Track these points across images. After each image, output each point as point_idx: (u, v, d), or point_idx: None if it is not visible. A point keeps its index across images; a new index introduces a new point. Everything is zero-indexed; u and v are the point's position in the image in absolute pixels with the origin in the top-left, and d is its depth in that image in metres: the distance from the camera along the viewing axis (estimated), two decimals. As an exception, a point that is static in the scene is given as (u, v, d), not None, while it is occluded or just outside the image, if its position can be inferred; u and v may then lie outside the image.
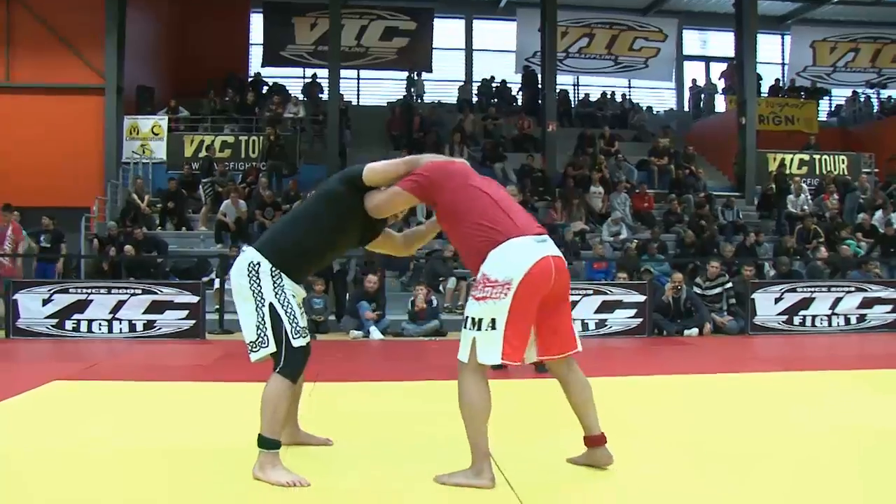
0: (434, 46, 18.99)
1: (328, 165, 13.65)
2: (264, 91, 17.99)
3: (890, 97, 21.32)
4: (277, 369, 3.19)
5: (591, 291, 9.68)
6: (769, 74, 20.72)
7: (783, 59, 21.55)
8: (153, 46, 17.40)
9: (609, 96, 20.33)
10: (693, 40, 22.22)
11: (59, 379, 5.69)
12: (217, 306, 9.71)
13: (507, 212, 3.14)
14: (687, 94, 21.66)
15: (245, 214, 12.57)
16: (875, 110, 20.92)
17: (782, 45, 21.77)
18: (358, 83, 20.67)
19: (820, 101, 20.56)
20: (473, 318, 3.06)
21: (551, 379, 3.37)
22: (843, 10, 19.59)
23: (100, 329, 9.01)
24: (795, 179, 15.01)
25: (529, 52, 18.52)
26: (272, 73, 19.19)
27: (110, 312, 9.02)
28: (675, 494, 3.06)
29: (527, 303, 3.02)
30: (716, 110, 20.81)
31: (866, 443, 3.94)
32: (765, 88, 20.01)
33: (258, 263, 3.25)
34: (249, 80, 18.79)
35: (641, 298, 9.66)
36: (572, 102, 20.35)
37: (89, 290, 9.12)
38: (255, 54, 19.63)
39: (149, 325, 9.05)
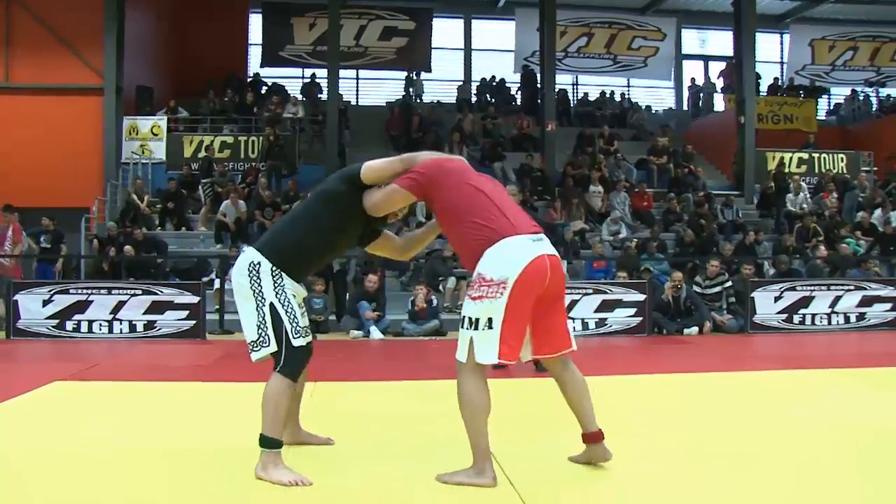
0: (433, 46, 18.98)
1: (327, 165, 13.64)
2: (263, 91, 18.00)
3: (889, 96, 21.33)
4: (278, 368, 3.20)
5: (590, 290, 9.69)
6: (768, 73, 20.73)
7: (782, 57, 21.56)
8: (152, 46, 17.40)
9: (608, 96, 20.34)
10: (692, 39, 22.23)
11: (60, 379, 5.71)
12: (217, 306, 9.72)
13: (503, 210, 3.14)
14: (686, 93, 21.68)
15: (245, 215, 12.57)
16: (874, 109, 20.92)
17: (781, 43, 21.80)
18: (357, 83, 20.68)
19: (819, 100, 20.56)
20: (470, 318, 3.06)
21: (551, 378, 3.38)
22: (841, 8, 19.61)
23: (100, 329, 9.02)
24: (794, 178, 15.02)
25: (528, 51, 18.51)
26: (271, 74, 19.18)
27: (111, 313, 9.03)
28: (675, 492, 3.07)
29: (522, 301, 3.03)
30: (715, 109, 20.83)
31: (865, 441, 3.95)
32: (763, 87, 20.02)
33: (258, 263, 3.27)
34: (248, 80, 18.79)
35: (641, 297, 9.68)
36: (571, 102, 20.35)
37: (90, 291, 9.12)
38: (254, 54, 19.62)
39: (149, 325, 9.05)
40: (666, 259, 11.89)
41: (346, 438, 3.83)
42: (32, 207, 12.14)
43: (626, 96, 20.78)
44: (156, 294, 9.12)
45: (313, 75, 18.67)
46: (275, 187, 13.77)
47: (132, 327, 9.05)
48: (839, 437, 4.04)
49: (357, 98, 20.60)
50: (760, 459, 3.52)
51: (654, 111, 20.96)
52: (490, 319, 3.01)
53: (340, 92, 15.86)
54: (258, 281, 3.25)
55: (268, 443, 3.16)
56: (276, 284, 3.25)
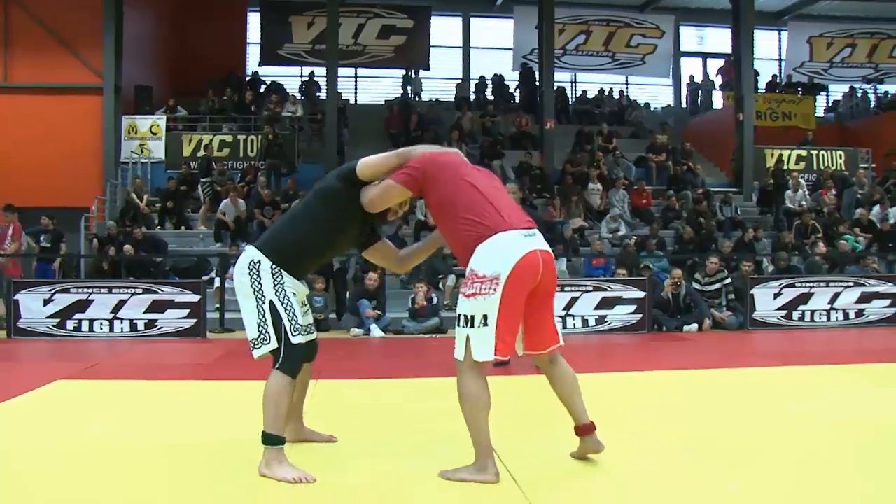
0: (431, 44, 18.99)
1: (326, 164, 13.64)
2: (262, 90, 18.00)
3: (887, 92, 21.34)
4: (277, 366, 3.23)
5: (590, 288, 9.72)
6: (766, 70, 20.74)
7: (780, 54, 21.58)
8: (151, 46, 17.39)
9: (606, 93, 20.34)
10: (690, 37, 22.23)
11: (62, 378, 5.72)
12: (218, 305, 9.74)
13: (496, 205, 3.14)
14: (684, 91, 21.68)
15: (244, 213, 12.58)
16: (872, 105, 20.93)
17: (779, 40, 21.80)
18: (356, 81, 20.68)
19: (817, 97, 20.59)
20: (465, 316, 3.08)
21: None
22: (839, 5, 19.62)
23: (101, 328, 9.03)
24: (793, 175, 15.05)
25: (527, 49, 18.52)
26: (270, 72, 19.18)
27: (111, 312, 9.03)
28: (676, 488, 3.09)
29: (516, 297, 3.05)
30: (713, 106, 20.82)
31: (864, 437, 3.97)
32: (762, 84, 20.02)
33: (258, 262, 3.30)
34: (247, 79, 18.79)
35: (641, 295, 9.70)
36: (570, 99, 20.37)
37: (90, 290, 9.13)
38: (253, 53, 19.63)
39: (150, 324, 9.06)
40: (665, 256, 11.91)
41: (348, 436, 3.84)
42: (32, 207, 12.14)
43: (625, 94, 20.78)
44: (156, 293, 9.14)
45: (312, 74, 18.68)
46: (274, 186, 13.78)
47: (133, 326, 9.06)
48: (838, 433, 4.05)
49: (356, 96, 20.61)
50: (760, 456, 3.54)
51: (652, 109, 20.97)
52: (485, 316, 3.02)
53: (339, 90, 15.86)
54: (258, 279, 3.28)
55: (270, 440, 3.18)
56: (275, 282, 3.27)
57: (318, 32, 17.97)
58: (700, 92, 21.14)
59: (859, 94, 20.99)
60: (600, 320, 9.63)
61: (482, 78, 19.99)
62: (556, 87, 16.93)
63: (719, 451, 3.64)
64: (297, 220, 3.43)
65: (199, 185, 13.93)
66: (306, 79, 18.91)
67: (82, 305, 9.03)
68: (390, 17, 18.63)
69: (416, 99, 19.23)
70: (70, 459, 3.50)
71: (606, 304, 9.65)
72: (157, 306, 9.08)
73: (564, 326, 9.49)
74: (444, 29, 20.34)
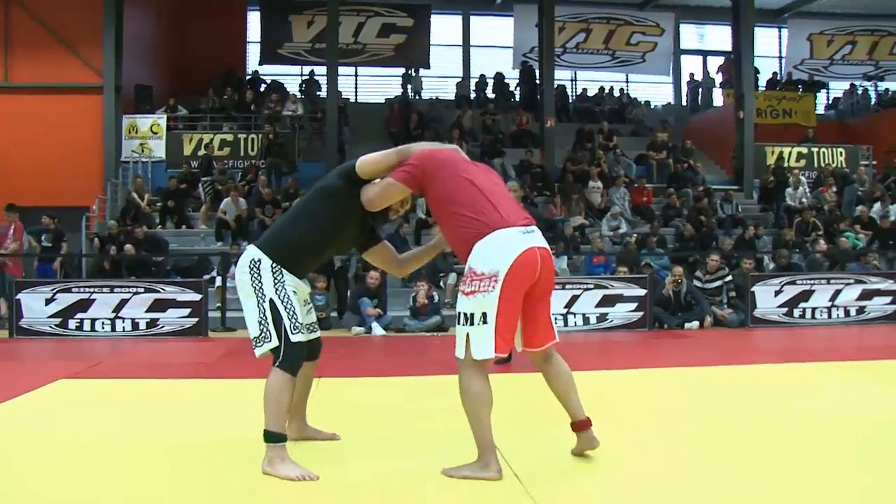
0: (431, 43, 18.98)
1: (327, 163, 13.64)
2: (262, 89, 18.00)
3: (887, 89, 21.33)
4: (277, 363, 3.24)
5: (591, 286, 9.73)
6: (766, 68, 20.72)
7: (780, 52, 21.55)
8: (151, 45, 17.39)
9: (607, 91, 20.34)
10: (690, 34, 22.21)
11: (64, 377, 5.73)
12: (219, 304, 9.75)
13: (493, 202, 3.15)
14: (684, 89, 21.64)
15: (245, 212, 12.59)
16: (872, 103, 20.91)
17: (779, 38, 21.77)
18: (356, 80, 20.68)
19: (817, 94, 20.57)
20: (465, 314, 3.08)
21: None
22: (839, 2, 19.60)
23: (103, 328, 9.05)
24: (794, 172, 15.05)
25: (527, 47, 18.50)
26: (270, 71, 19.18)
27: (113, 311, 9.06)
28: (677, 485, 3.11)
29: (514, 294, 3.05)
30: (713, 104, 20.81)
31: (865, 434, 3.98)
32: (762, 82, 20.02)
33: (259, 260, 3.32)
34: (247, 78, 18.79)
35: (642, 292, 9.71)
36: (570, 97, 20.36)
37: (92, 290, 9.15)
38: (253, 52, 19.62)
39: (152, 323, 9.08)
40: (666, 254, 11.92)
41: (350, 434, 3.85)
42: (33, 207, 12.15)
43: (625, 92, 20.77)
44: (158, 292, 9.15)
45: (312, 73, 18.68)
46: (275, 185, 13.78)
47: (135, 325, 9.08)
48: (838, 429, 4.06)
49: (356, 95, 20.60)
50: (760, 452, 3.55)
51: (652, 106, 20.95)
52: (484, 314, 3.03)
53: (339, 89, 15.86)
54: (258, 278, 3.30)
55: (272, 437, 3.20)
56: (275, 281, 3.29)
57: (318, 31, 17.95)
58: (700, 90, 21.12)
59: (860, 92, 20.97)
60: (601, 318, 9.64)
61: (482, 76, 19.98)
62: (556, 86, 16.95)
63: (720, 448, 3.65)
64: (298, 218, 3.44)
65: (200, 185, 13.94)
66: (306, 78, 18.91)
67: (84, 305, 9.06)
68: (390, 15, 18.61)
69: (417, 97, 19.22)
70: (73, 458, 3.51)
71: (608, 301, 9.66)
72: (159, 305, 9.11)
73: (566, 324, 9.51)
74: (444, 27, 20.32)
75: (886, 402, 4.84)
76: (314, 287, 9.33)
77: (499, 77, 19.62)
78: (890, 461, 3.48)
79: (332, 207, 3.38)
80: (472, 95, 19.52)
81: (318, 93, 18.05)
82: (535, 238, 3.13)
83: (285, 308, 3.26)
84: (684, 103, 21.50)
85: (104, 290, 9.16)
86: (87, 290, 9.15)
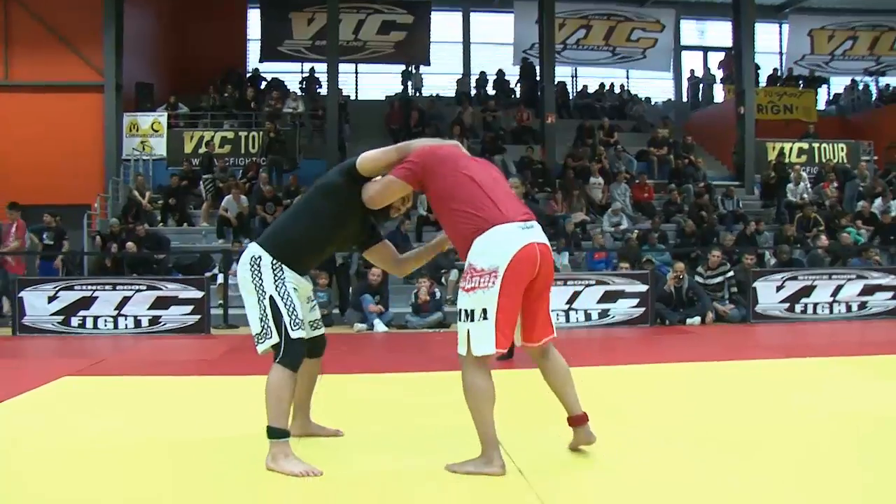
0: (431, 40, 18.97)
1: (328, 160, 13.66)
2: (263, 87, 18.00)
3: (888, 85, 21.31)
4: (277, 360, 3.25)
5: (593, 281, 9.73)
6: (767, 64, 20.70)
7: (781, 48, 21.53)
8: (151, 43, 17.40)
9: (607, 87, 20.33)
10: (691, 30, 22.20)
11: (68, 375, 5.75)
12: (221, 301, 9.76)
13: (493, 198, 3.15)
14: (685, 85, 21.65)
15: (246, 210, 12.61)
16: (873, 98, 20.90)
17: (780, 34, 21.76)
18: (356, 77, 20.68)
19: (818, 90, 20.55)
20: (466, 310, 3.09)
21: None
22: (840, -3, 19.61)
23: (105, 325, 9.06)
24: (795, 168, 15.04)
25: (527, 44, 18.50)
26: (270, 69, 19.19)
27: (115, 309, 9.07)
28: (679, 480, 3.12)
29: (514, 289, 3.06)
30: (714, 100, 20.81)
31: (866, 429, 3.99)
32: (763, 78, 20.00)
33: (259, 257, 3.34)
34: (248, 75, 18.80)
35: (644, 288, 9.71)
36: (570, 94, 20.35)
37: (94, 287, 9.16)
38: (253, 50, 19.62)
39: (154, 320, 9.10)
40: (667, 250, 11.92)
41: (353, 430, 3.86)
42: (34, 205, 12.16)
43: (626, 88, 20.77)
44: (160, 289, 9.16)
45: (312, 70, 18.68)
46: (276, 182, 13.79)
47: (137, 323, 9.09)
48: (839, 425, 4.07)
49: (356, 92, 20.60)
50: (761, 448, 3.55)
51: (653, 103, 20.93)
52: (484, 310, 3.03)
53: (340, 86, 15.86)
54: (259, 275, 3.31)
55: (275, 433, 3.21)
56: (276, 277, 3.30)
57: (318, 28, 17.95)
58: (701, 86, 21.12)
59: (861, 87, 20.96)
60: (603, 314, 9.65)
61: (483, 73, 19.98)
62: (556, 82, 16.94)
63: (722, 444, 3.66)
64: (299, 215, 3.45)
65: (201, 182, 13.96)
66: (307, 75, 18.92)
67: (86, 302, 9.07)
68: (390, 12, 18.60)
69: (417, 94, 19.21)
70: (77, 456, 3.52)
71: (609, 297, 9.67)
72: (161, 303, 9.12)
73: (567, 320, 9.52)
74: (444, 24, 20.32)
75: (888, 397, 4.84)
76: (316, 284, 9.35)
77: (500, 74, 19.62)
78: (891, 457, 3.48)
79: (332, 205, 3.39)
80: (473, 92, 19.52)
81: (318, 90, 18.06)
82: (534, 233, 3.13)
83: (285, 304, 3.27)
84: (685, 99, 21.50)
85: (106, 287, 9.17)
86: (89, 287, 9.16)
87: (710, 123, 18.70)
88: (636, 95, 20.50)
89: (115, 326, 9.06)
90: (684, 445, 3.64)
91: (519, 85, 19.60)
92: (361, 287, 9.80)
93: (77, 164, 14.43)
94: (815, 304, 10.12)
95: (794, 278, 10.15)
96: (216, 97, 16.68)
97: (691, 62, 21.84)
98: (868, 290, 10.18)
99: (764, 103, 18.08)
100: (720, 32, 21.07)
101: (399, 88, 19.53)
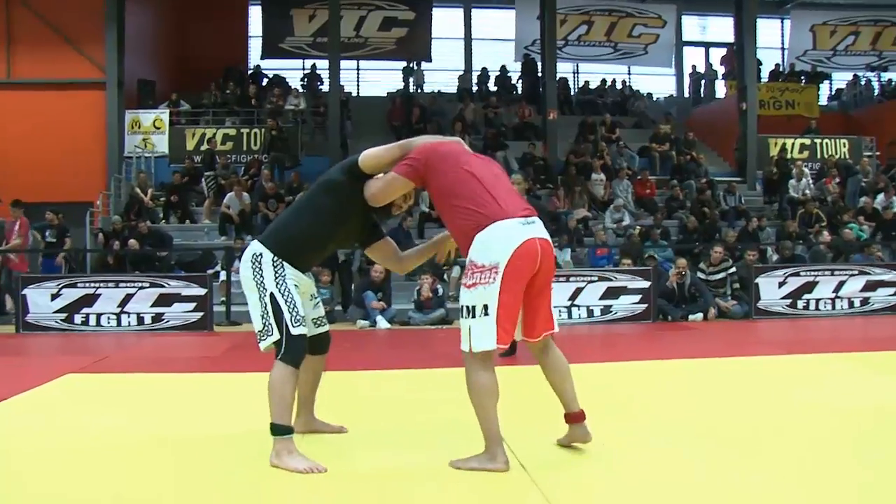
0: (433, 36, 18.95)
1: (330, 157, 13.65)
2: (264, 83, 18.00)
3: (891, 80, 21.24)
4: (279, 356, 3.26)
5: (595, 278, 9.74)
6: (769, 59, 20.67)
7: (783, 43, 21.49)
8: (153, 40, 17.40)
9: (609, 83, 20.30)
10: (692, 26, 22.16)
11: (71, 372, 5.76)
12: (224, 298, 9.77)
13: (494, 194, 3.15)
14: (687, 80, 21.62)
15: (249, 207, 12.62)
16: (876, 94, 20.86)
17: (782, 29, 21.72)
18: (357, 74, 20.66)
19: (820, 86, 20.51)
20: (467, 307, 3.09)
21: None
22: (842, -7, 19.56)
23: (108, 323, 9.09)
24: (797, 164, 15.02)
25: (529, 40, 18.46)
26: (272, 66, 19.18)
27: (118, 306, 9.10)
28: (681, 475, 3.13)
29: (515, 285, 3.06)
30: (716, 96, 20.78)
31: (867, 425, 3.99)
32: (765, 73, 19.97)
33: (260, 254, 3.35)
34: (249, 72, 18.79)
35: (646, 284, 9.72)
36: (572, 90, 20.33)
37: (97, 285, 9.19)
38: (255, 47, 19.61)
39: (157, 317, 9.12)
40: (669, 246, 11.92)
41: (357, 426, 3.87)
42: (37, 203, 12.17)
43: (628, 84, 20.74)
44: (163, 287, 9.18)
45: (314, 67, 18.67)
46: (278, 179, 13.80)
47: (140, 320, 9.11)
48: (841, 421, 4.07)
49: (358, 89, 20.58)
50: (763, 444, 3.56)
51: (655, 98, 20.93)
52: (486, 306, 3.04)
53: (341, 83, 15.85)
54: (260, 272, 3.32)
55: (278, 430, 3.21)
56: (276, 274, 3.31)
57: (319, 25, 17.92)
58: (703, 81, 21.10)
59: (863, 83, 20.92)
60: (605, 310, 9.65)
61: (484, 69, 19.95)
62: (558, 78, 16.90)
63: (723, 439, 3.67)
64: (301, 212, 3.46)
65: (203, 179, 13.97)
66: (308, 72, 18.91)
67: (89, 300, 9.09)
68: (392, 9, 18.56)
69: (419, 91, 19.21)
70: (80, 453, 3.52)
71: (611, 293, 9.67)
72: (164, 300, 9.14)
73: (570, 316, 9.53)
74: (445, 20, 20.30)
75: (890, 393, 4.85)
76: (318, 281, 9.35)
77: (502, 70, 19.59)
78: (892, 452, 3.49)
79: (334, 202, 3.39)
80: (475, 88, 19.50)
81: (320, 87, 18.07)
82: (535, 229, 3.13)
83: (286, 301, 3.27)
84: (687, 95, 21.47)
85: (109, 285, 9.19)
86: (92, 285, 9.18)
87: (712, 119, 18.68)
88: (638, 91, 20.48)
89: (118, 324, 9.08)
90: (687, 441, 3.65)
91: (520, 81, 19.59)
92: (364, 284, 9.81)
93: (79, 162, 14.45)
94: (818, 301, 10.11)
95: (797, 274, 10.14)
96: (218, 94, 16.69)
97: (693, 58, 21.80)
98: (870, 287, 10.17)
99: (766, 99, 18.05)
100: (722, 28, 21.04)
101: (401, 85, 19.54)
